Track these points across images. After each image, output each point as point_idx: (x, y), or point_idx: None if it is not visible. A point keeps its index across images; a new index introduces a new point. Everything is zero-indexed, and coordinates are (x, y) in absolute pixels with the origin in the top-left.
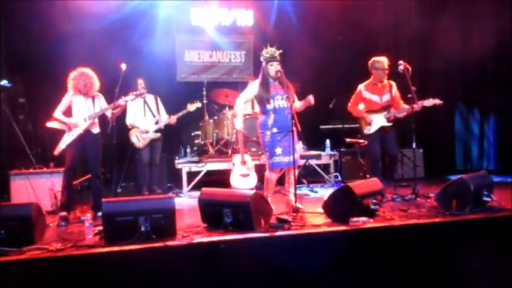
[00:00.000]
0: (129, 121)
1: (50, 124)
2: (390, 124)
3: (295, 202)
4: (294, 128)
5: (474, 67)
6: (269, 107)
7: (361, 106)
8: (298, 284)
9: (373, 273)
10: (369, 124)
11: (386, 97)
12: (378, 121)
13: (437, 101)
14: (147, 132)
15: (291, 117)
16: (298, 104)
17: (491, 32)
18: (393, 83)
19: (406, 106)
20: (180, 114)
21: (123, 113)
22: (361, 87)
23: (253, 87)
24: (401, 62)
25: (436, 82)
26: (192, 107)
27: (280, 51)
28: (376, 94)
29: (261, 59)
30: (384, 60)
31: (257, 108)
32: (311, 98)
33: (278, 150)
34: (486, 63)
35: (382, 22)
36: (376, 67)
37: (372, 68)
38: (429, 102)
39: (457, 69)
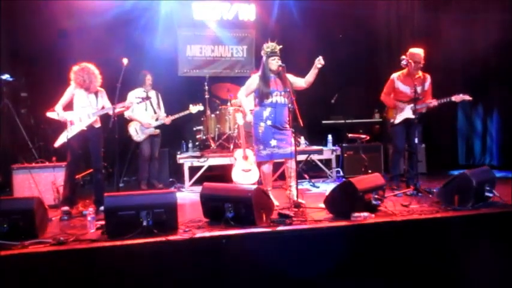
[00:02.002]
0: (127, 113)
1: (50, 114)
2: (416, 117)
3: (297, 197)
4: (287, 126)
5: (477, 63)
6: (267, 101)
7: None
8: (299, 279)
9: (374, 269)
10: (400, 111)
11: (417, 89)
12: (404, 112)
13: (467, 97)
14: (148, 127)
15: (288, 113)
16: (309, 77)
17: (494, 28)
18: (428, 76)
19: (432, 100)
20: (181, 114)
21: None
22: (394, 76)
23: (254, 80)
24: (404, 56)
25: (440, 78)
26: (194, 109)
27: (281, 46)
28: (408, 85)
29: (262, 53)
30: (419, 53)
31: None
32: (320, 59)
33: (273, 142)
34: (489, 59)
35: (385, 17)
36: (411, 59)
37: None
38: (457, 97)
39: (460, 65)
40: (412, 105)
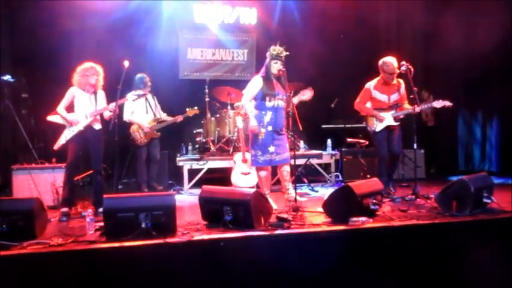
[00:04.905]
0: (126, 117)
1: (51, 118)
2: (397, 123)
3: (296, 196)
4: (284, 129)
5: (477, 68)
6: (269, 104)
7: (368, 104)
8: (297, 282)
9: (372, 273)
10: (380, 121)
11: (394, 97)
12: (386, 120)
13: (447, 103)
14: (148, 131)
15: (287, 117)
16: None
17: (495, 30)
18: (402, 82)
19: (409, 106)
20: (178, 118)
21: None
22: (370, 85)
23: (257, 81)
24: (403, 62)
25: (439, 83)
26: (191, 113)
27: (287, 53)
28: (385, 94)
29: (267, 54)
30: (392, 63)
31: None
32: (304, 93)
33: (271, 149)
34: (490, 63)
35: (386, 19)
36: (384, 70)
37: (380, 69)
38: (438, 103)
39: (460, 70)
40: (393, 111)
